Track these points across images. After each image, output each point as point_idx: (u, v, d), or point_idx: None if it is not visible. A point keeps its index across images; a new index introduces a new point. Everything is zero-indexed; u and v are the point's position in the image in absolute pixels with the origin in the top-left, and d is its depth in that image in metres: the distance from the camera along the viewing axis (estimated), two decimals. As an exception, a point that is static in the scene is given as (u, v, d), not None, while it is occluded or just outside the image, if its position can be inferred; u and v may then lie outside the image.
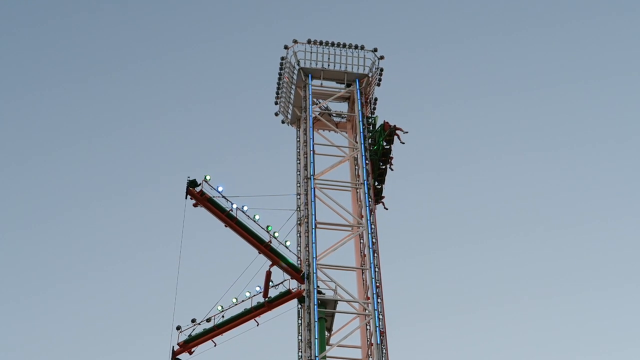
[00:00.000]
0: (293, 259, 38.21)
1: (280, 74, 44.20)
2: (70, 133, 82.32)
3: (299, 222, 39.56)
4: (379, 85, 44.05)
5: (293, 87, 43.92)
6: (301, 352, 36.50)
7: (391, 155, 42.37)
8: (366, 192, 40.19)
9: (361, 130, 42.22)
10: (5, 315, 76.71)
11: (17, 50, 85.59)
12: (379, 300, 37.22)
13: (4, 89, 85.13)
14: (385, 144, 42.09)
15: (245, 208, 38.34)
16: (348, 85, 44.02)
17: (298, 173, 41.51)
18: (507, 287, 77.68)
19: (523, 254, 77.34)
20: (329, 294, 37.86)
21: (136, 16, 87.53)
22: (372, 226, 39.43)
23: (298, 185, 41.03)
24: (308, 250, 38.14)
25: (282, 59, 43.90)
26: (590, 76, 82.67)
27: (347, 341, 37.30)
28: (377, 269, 38.07)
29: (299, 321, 37.33)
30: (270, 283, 37.74)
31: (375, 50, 44.09)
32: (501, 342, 73.44)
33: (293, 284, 37.89)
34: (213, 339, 37.60)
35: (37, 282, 78.14)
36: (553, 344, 72.35)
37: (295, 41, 43.92)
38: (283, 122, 44.78)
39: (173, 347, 37.33)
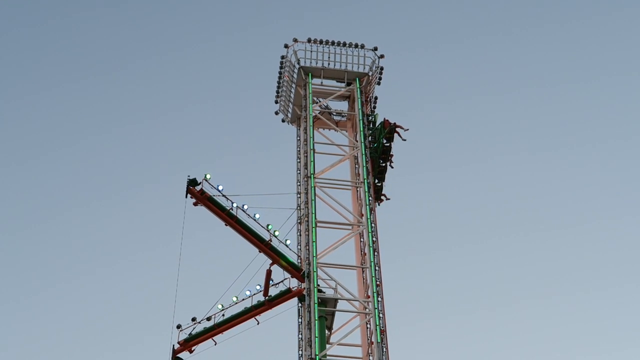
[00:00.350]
0: (293, 258, 38.23)
1: (280, 73, 44.21)
2: (70, 133, 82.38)
3: (299, 220, 39.56)
4: (379, 84, 44.08)
5: (293, 85, 43.94)
6: (301, 350, 36.50)
7: (391, 153, 42.39)
8: (366, 190, 40.20)
9: (361, 129, 42.24)
10: (5, 315, 76.75)
11: (17, 50, 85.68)
12: (379, 299, 37.22)
13: (4, 89, 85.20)
14: (385, 141, 42.11)
15: (245, 207, 38.38)
16: (348, 84, 44.03)
17: (298, 172, 41.51)
18: (507, 286, 77.74)
19: (523, 253, 77.42)
20: (329, 293, 37.86)
21: (136, 16, 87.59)
22: (372, 225, 39.44)
23: (298, 184, 41.03)
24: (308, 249, 38.14)
25: (282, 57, 43.94)
26: (590, 76, 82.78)
27: (347, 340, 37.33)
28: (377, 268, 38.08)
29: (299, 320, 37.33)
30: (271, 282, 37.77)
31: (375, 49, 44.12)
32: (501, 341, 73.51)
33: (293, 283, 37.93)
34: (213, 338, 37.61)
35: (37, 282, 78.19)
36: (553, 344, 72.39)
37: (295, 40, 43.94)
38: (283, 120, 44.80)
39: (173, 345, 37.33)
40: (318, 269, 37.62)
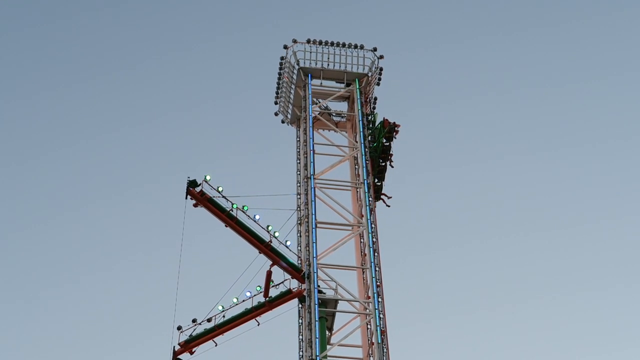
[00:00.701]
0: (293, 259, 38.22)
1: (279, 74, 44.22)
2: (70, 133, 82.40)
3: (299, 221, 39.56)
4: (378, 84, 44.08)
5: (293, 86, 43.94)
6: (302, 351, 36.50)
7: (391, 152, 42.41)
8: (366, 191, 40.21)
9: (361, 130, 42.24)
10: (5, 315, 76.75)
11: (17, 51, 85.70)
12: (380, 300, 37.22)
13: (4, 89, 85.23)
14: (385, 141, 42.12)
15: (245, 208, 38.36)
16: (348, 85, 44.05)
17: (298, 173, 41.52)
18: (508, 286, 77.75)
19: (523, 253, 77.42)
20: (329, 294, 37.86)
21: (136, 16, 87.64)
22: (373, 225, 39.43)
23: (298, 184, 41.04)
24: (308, 250, 38.14)
25: (282, 58, 43.93)
26: (590, 76, 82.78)
27: (347, 340, 37.32)
28: (377, 268, 38.07)
29: (300, 321, 37.33)
30: (271, 283, 37.74)
31: (374, 49, 44.12)
32: (501, 341, 73.52)
33: (294, 284, 37.89)
34: (214, 339, 37.59)
35: (37, 282, 78.18)
36: (553, 344, 72.41)
37: (294, 41, 43.94)
38: (283, 121, 44.80)
39: (174, 347, 37.33)
40: (318, 269, 37.61)
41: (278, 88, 44.49)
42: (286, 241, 38.33)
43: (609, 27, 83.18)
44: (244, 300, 37.70)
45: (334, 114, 44.13)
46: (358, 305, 38.12)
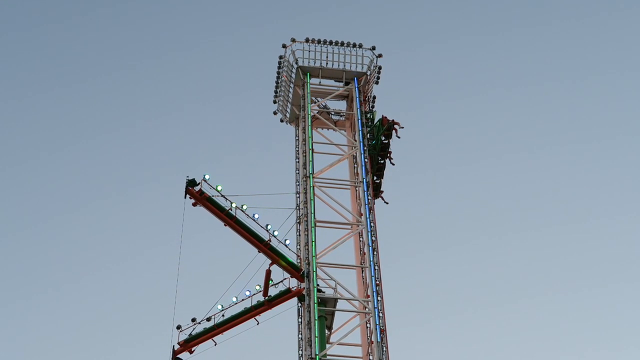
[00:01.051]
0: (293, 258, 38.20)
1: (278, 73, 44.19)
2: (70, 133, 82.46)
3: (298, 220, 39.55)
4: (377, 83, 44.08)
5: (291, 85, 43.93)
6: (301, 350, 36.49)
7: (390, 150, 42.40)
8: (365, 190, 40.19)
9: (360, 128, 42.22)
10: (5, 315, 76.75)
11: (17, 51, 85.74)
12: (379, 298, 37.21)
13: (4, 89, 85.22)
14: (383, 138, 42.11)
15: (244, 207, 38.35)
16: (346, 84, 44.05)
17: (297, 171, 41.49)
18: (507, 286, 77.80)
19: (523, 253, 77.43)
20: (329, 292, 37.84)
21: (136, 16, 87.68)
22: (372, 224, 39.42)
23: (297, 183, 41.01)
24: (308, 249, 38.13)
25: (281, 57, 43.92)
26: (590, 76, 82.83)
27: (347, 339, 37.29)
28: (376, 267, 38.07)
29: (299, 319, 37.31)
30: (270, 282, 37.73)
31: (373, 48, 44.11)
32: (501, 341, 73.50)
33: (293, 283, 37.89)
34: (213, 338, 37.56)
35: (37, 282, 78.23)
36: (553, 344, 72.39)
37: (293, 40, 43.90)
38: (282, 120, 44.77)
39: (173, 346, 37.30)
40: (317, 268, 37.62)
41: (277, 87, 44.46)
42: (285, 240, 38.37)
43: (608, 27, 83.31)
44: (243, 300, 37.72)
45: (332, 113, 44.09)
46: (357, 304, 38.11)
